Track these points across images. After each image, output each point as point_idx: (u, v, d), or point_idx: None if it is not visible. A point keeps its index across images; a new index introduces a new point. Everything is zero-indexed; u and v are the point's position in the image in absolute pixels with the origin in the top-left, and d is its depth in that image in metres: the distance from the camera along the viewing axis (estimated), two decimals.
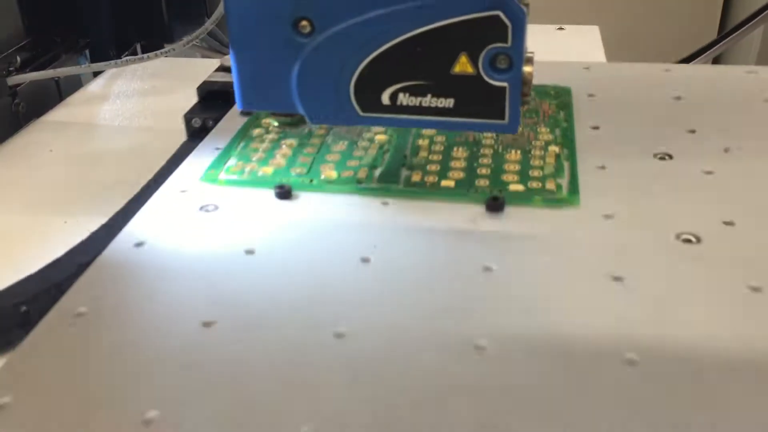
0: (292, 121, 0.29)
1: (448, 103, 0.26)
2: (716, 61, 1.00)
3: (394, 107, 0.26)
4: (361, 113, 0.26)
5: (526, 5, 0.25)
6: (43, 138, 0.44)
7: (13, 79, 0.46)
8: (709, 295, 0.22)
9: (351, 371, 0.20)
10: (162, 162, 0.36)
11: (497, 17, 0.24)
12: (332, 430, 0.18)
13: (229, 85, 0.40)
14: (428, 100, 0.26)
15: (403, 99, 0.26)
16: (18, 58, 0.47)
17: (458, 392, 0.19)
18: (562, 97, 0.36)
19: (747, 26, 0.54)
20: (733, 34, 0.54)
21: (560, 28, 0.57)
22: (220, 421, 0.19)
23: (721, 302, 0.22)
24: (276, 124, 0.29)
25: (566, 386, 0.19)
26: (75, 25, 0.31)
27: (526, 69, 0.25)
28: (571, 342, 0.21)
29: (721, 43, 0.54)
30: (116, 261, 0.25)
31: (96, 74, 0.53)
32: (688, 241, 0.25)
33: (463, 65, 0.25)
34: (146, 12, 0.28)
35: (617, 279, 0.23)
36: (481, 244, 0.25)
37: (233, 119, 0.36)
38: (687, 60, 0.55)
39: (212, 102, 0.40)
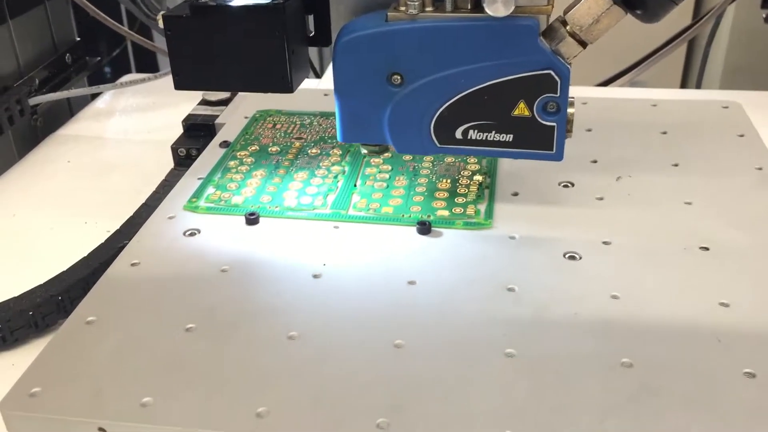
0: (377, 150, 0.36)
1: (509, 138, 0.32)
2: (690, 45, 1.05)
3: (465, 140, 0.32)
4: (438, 145, 0.33)
5: (569, 64, 0.31)
6: (60, 150, 0.52)
7: (35, 100, 0.53)
8: (580, 302, 0.29)
9: (297, 364, 0.26)
10: (160, 174, 0.43)
11: (549, 75, 0.30)
12: (282, 409, 0.25)
13: (211, 117, 0.47)
14: (492, 136, 0.32)
15: (473, 134, 0.32)
16: (36, 80, 0.53)
17: (378, 381, 0.26)
18: None
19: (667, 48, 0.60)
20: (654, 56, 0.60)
21: None
22: (198, 406, 0.25)
23: (589, 309, 0.28)
24: (365, 151, 0.36)
25: (460, 374, 0.26)
26: (218, 85, 0.36)
27: (570, 111, 0.31)
28: (466, 339, 0.27)
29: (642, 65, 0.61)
30: (117, 278, 0.31)
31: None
32: (573, 258, 0.31)
33: (521, 110, 0.31)
34: (271, 67, 0.32)
35: (510, 289, 0.30)
36: (409, 262, 0.32)
37: (214, 150, 0.42)
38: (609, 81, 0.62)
39: (195, 133, 0.46)
